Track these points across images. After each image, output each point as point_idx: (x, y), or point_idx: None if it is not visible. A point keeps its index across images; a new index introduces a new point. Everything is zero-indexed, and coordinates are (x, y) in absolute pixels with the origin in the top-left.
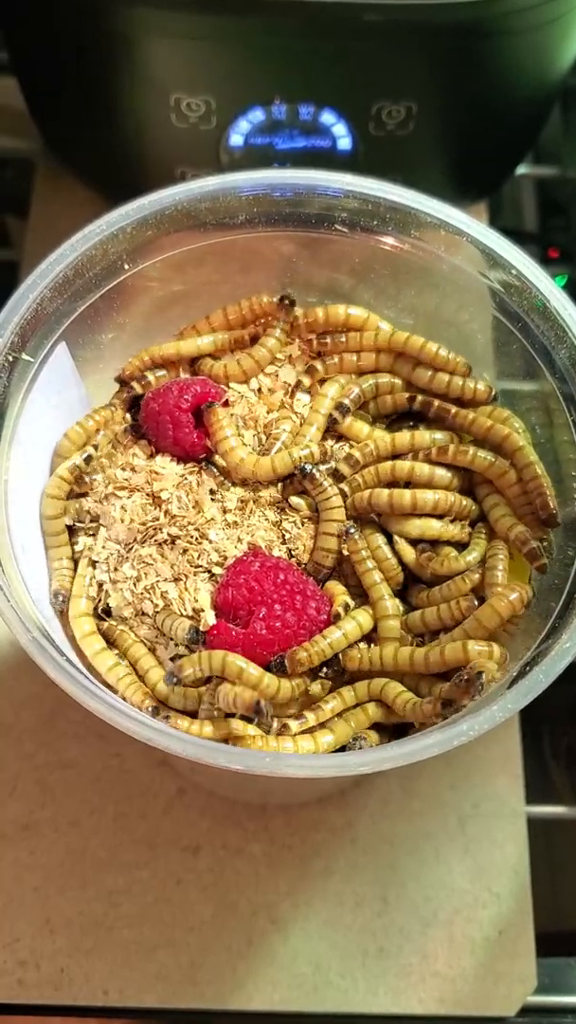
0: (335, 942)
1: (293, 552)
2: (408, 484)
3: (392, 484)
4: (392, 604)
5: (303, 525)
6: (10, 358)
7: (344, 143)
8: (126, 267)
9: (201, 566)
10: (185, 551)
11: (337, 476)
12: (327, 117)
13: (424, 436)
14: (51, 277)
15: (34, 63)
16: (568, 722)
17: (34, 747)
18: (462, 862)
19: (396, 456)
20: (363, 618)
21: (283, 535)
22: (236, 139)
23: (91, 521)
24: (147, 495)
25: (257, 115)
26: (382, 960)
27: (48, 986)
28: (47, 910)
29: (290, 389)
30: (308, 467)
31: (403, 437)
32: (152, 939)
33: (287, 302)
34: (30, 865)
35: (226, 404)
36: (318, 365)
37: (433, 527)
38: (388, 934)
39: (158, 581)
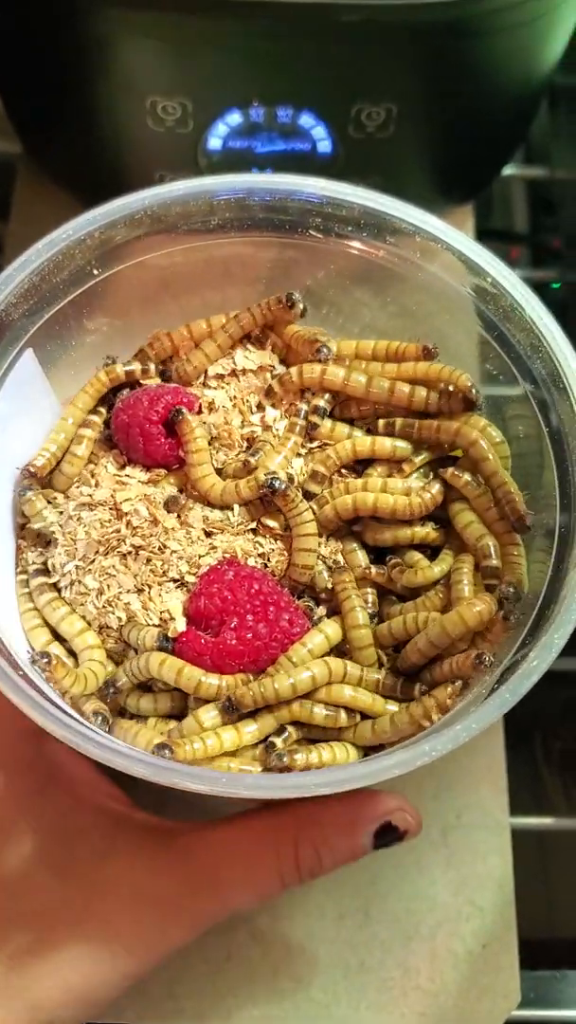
0: (316, 956)
1: (268, 564)
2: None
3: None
4: (363, 615)
5: (276, 541)
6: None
7: (324, 146)
8: (95, 272)
9: (168, 576)
10: (149, 560)
11: (307, 495)
12: (306, 120)
13: (384, 444)
14: (15, 284)
15: (8, 66)
16: (559, 726)
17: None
18: (445, 874)
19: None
20: (332, 629)
21: (257, 545)
22: (214, 142)
23: (44, 544)
24: (110, 508)
25: (235, 118)
26: (363, 974)
27: None
28: None
29: (262, 393)
30: (277, 483)
31: (363, 443)
32: None
33: (291, 302)
34: None
35: (199, 412)
36: (292, 373)
37: (405, 532)
38: (370, 948)
39: (120, 592)
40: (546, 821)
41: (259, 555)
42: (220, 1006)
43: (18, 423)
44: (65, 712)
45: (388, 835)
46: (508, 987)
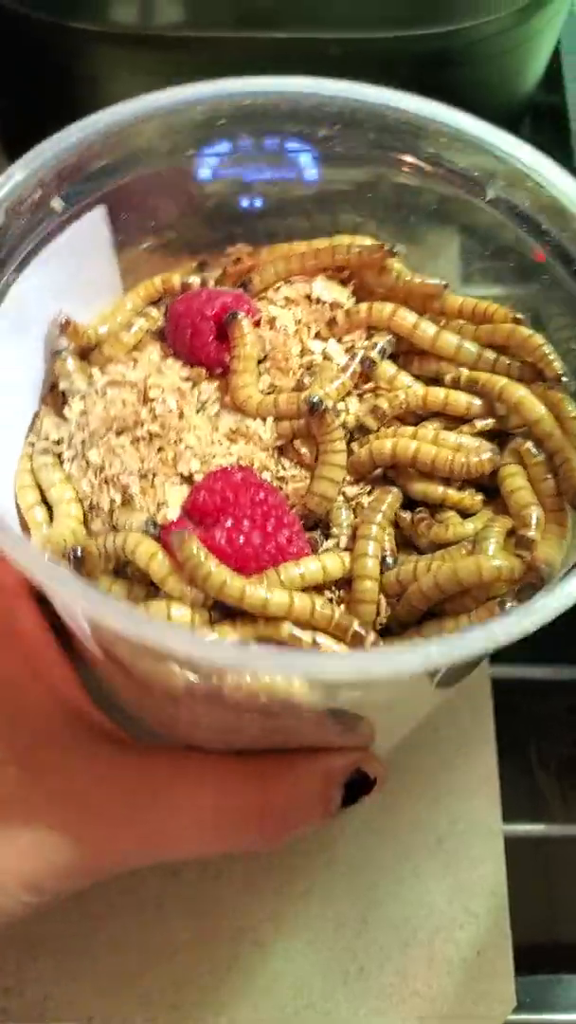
0: (316, 963)
1: (283, 488)
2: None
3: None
4: (375, 566)
5: (300, 469)
6: (36, 196)
7: (311, 173)
8: (190, 152)
9: (176, 469)
10: (161, 449)
11: (363, 430)
12: (292, 146)
13: (460, 398)
14: (102, 128)
15: None
16: (556, 733)
17: None
18: (440, 882)
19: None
20: (332, 562)
21: (280, 467)
22: (204, 172)
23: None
24: (138, 390)
25: (223, 147)
26: (363, 980)
27: (33, 1013)
28: (31, 937)
29: (328, 319)
30: (318, 401)
31: (436, 394)
32: (135, 963)
33: (392, 253)
34: None
35: (257, 324)
36: (361, 308)
37: (436, 490)
38: (369, 954)
39: (121, 473)
40: (541, 828)
41: (278, 477)
42: (223, 1013)
43: (71, 281)
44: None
45: (357, 787)
46: (504, 992)
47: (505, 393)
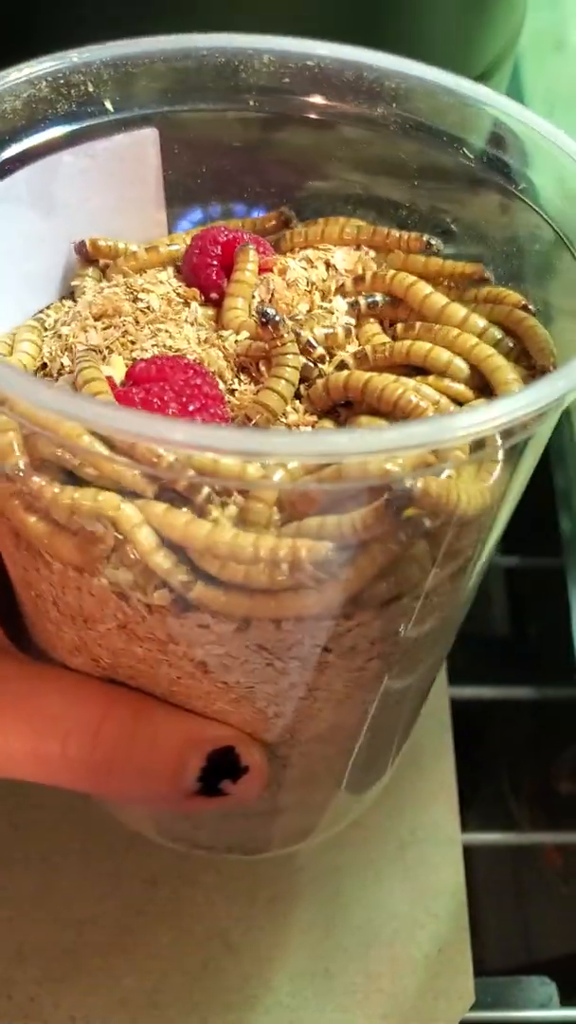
0: (284, 964)
1: (230, 399)
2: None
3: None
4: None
5: (253, 384)
6: (84, 88)
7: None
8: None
9: (132, 350)
10: (126, 333)
11: (341, 366)
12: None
13: (441, 354)
14: (176, 48)
15: None
16: (528, 758)
17: (5, 791)
18: (402, 886)
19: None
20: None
21: (236, 378)
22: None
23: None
24: (129, 290)
25: (196, 215)
26: (329, 980)
27: (18, 1014)
28: (18, 941)
29: (355, 277)
30: (271, 312)
31: (421, 347)
32: (117, 966)
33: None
34: (2, 899)
35: (268, 269)
36: (388, 274)
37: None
38: (334, 956)
39: (81, 344)
40: (495, 837)
41: (229, 389)
42: (196, 1013)
43: (111, 191)
44: None
45: (223, 769)
46: (463, 988)
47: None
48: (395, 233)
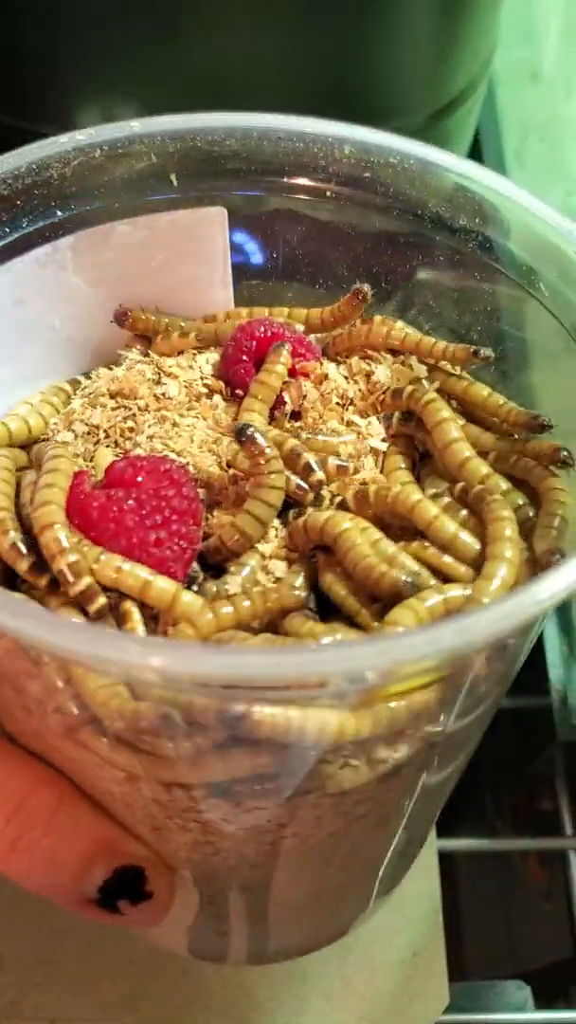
0: (262, 970)
1: (209, 516)
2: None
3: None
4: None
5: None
6: (148, 159)
7: (256, 259)
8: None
9: (126, 441)
10: (132, 418)
11: (341, 504)
12: (238, 237)
13: (447, 525)
14: (264, 127)
15: None
16: (510, 779)
17: None
18: None
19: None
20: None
21: (227, 484)
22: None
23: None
24: (157, 371)
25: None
26: (306, 984)
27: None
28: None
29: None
30: (249, 430)
31: (426, 510)
32: (96, 972)
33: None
34: None
35: (305, 375)
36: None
37: (341, 592)
38: (311, 960)
39: (83, 421)
40: (471, 843)
41: (213, 500)
42: (177, 1016)
43: (175, 273)
44: None
45: (125, 888)
46: (437, 990)
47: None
48: (441, 344)
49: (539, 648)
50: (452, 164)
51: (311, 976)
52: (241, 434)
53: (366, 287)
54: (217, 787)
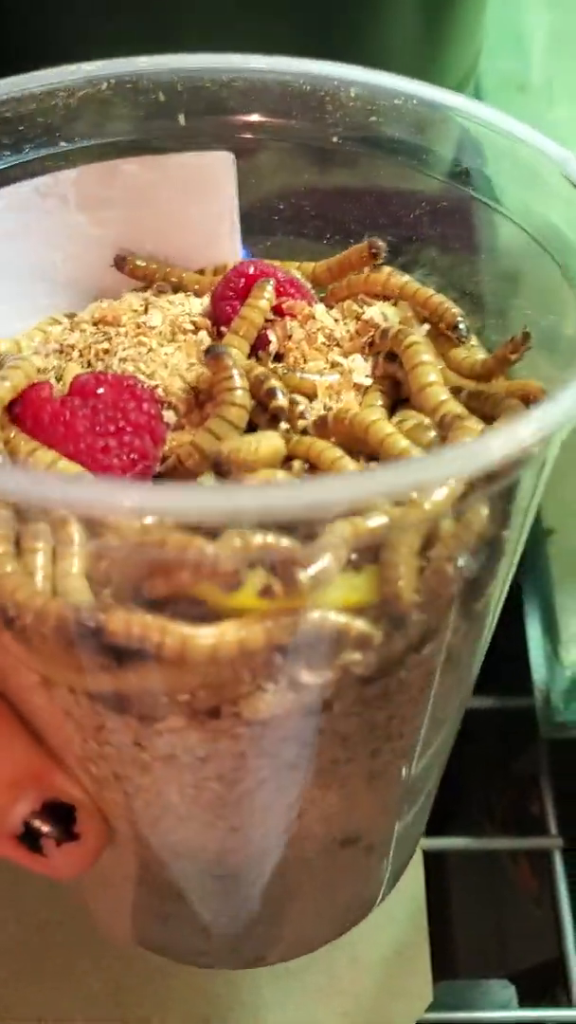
0: None
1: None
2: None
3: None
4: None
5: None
6: (156, 96)
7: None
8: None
9: (100, 360)
10: (108, 341)
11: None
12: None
13: (399, 441)
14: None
15: None
16: (496, 779)
17: None
18: None
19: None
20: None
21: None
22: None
23: None
24: (144, 303)
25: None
26: (290, 980)
27: None
28: None
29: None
30: (220, 348)
31: (380, 430)
32: (82, 966)
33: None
34: None
35: (292, 315)
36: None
37: None
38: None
39: (62, 340)
40: (457, 842)
41: (177, 424)
42: (160, 1011)
43: (181, 212)
44: None
45: (53, 821)
46: (421, 988)
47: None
48: (435, 299)
49: (523, 649)
50: (462, 105)
51: (295, 972)
52: (209, 351)
53: (380, 242)
54: (110, 699)
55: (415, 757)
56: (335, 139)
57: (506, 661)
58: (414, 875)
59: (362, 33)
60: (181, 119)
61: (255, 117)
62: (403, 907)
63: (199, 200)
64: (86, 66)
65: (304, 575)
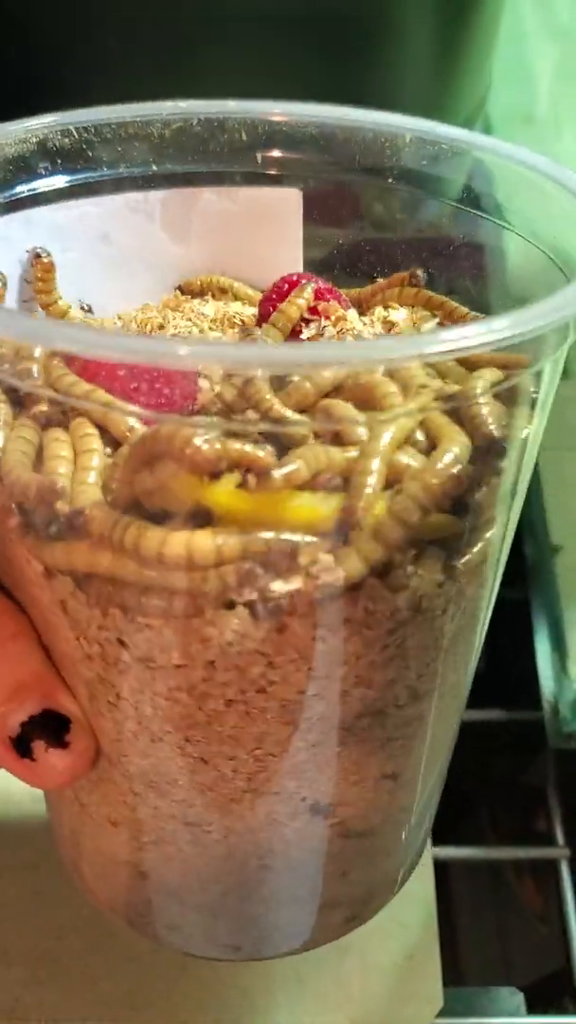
0: (259, 971)
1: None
2: None
3: None
4: None
5: None
6: (239, 135)
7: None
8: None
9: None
10: (164, 319)
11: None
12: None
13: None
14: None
15: None
16: (504, 789)
17: None
18: None
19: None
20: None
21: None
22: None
23: None
24: (196, 302)
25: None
26: (301, 986)
27: (4, 1015)
28: (4, 944)
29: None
30: (255, 332)
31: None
32: (96, 970)
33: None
34: None
35: (327, 318)
36: None
37: None
38: (307, 963)
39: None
40: (465, 852)
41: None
42: (173, 1016)
43: (251, 246)
44: None
45: (48, 729)
46: (432, 992)
47: None
48: (462, 311)
49: (531, 664)
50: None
51: (306, 978)
52: (243, 331)
53: (420, 272)
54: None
55: (391, 717)
56: (390, 180)
57: (514, 675)
58: (424, 881)
59: (378, 74)
60: (259, 157)
61: (325, 157)
62: (413, 913)
63: (267, 231)
64: (181, 104)
65: (278, 471)
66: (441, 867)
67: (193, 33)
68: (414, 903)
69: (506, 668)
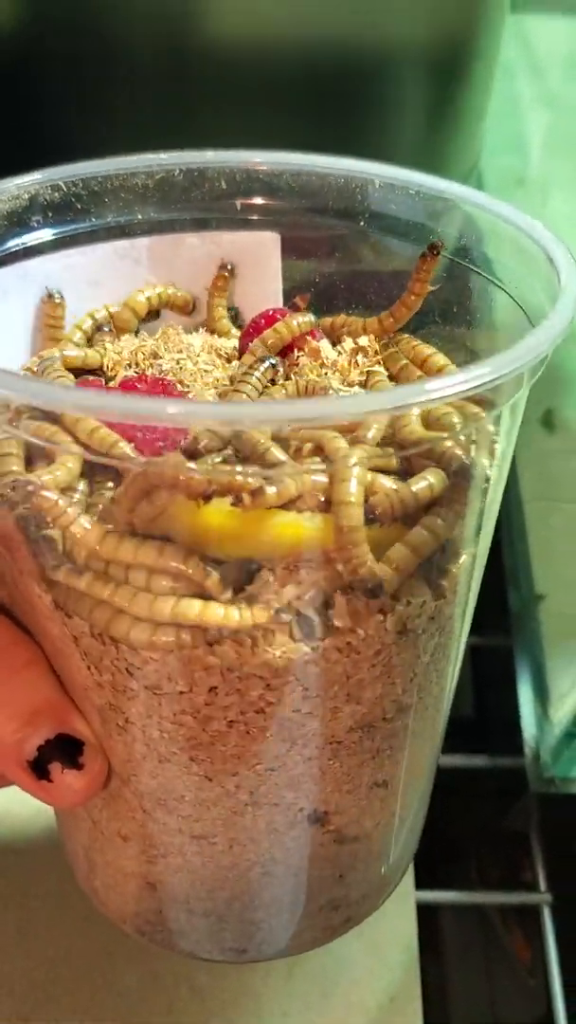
0: (246, 1008)
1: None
2: None
3: None
4: None
5: None
6: (218, 184)
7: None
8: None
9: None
10: (154, 352)
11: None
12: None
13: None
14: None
15: None
16: (486, 834)
17: None
18: (358, 939)
19: None
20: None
21: None
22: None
23: None
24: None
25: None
26: (287, 1022)
27: None
28: None
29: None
30: (271, 360)
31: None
32: (84, 1003)
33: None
34: None
35: (308, 338)
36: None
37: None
38: (292, 1001)
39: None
40: (448, 895)
41: None
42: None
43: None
44: None
45: (62, 752)
46: None
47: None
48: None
49: (514, 712)
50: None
51: (291, 1015)
52: (263, 361)
53: (439, 240)
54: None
55: (379, 730)
56: (361, 223)
57: (498, 722)
58: (407, 925)
59: (372, 138)
60: (238, 204)
61: (300, 203)
62: (396, 956)
63: (248, 273)
64: (163, 155)
65: (270, 489)
66: (430, 911)
67: (195, 95)
68: (397, 945)
69: (490, 715)
